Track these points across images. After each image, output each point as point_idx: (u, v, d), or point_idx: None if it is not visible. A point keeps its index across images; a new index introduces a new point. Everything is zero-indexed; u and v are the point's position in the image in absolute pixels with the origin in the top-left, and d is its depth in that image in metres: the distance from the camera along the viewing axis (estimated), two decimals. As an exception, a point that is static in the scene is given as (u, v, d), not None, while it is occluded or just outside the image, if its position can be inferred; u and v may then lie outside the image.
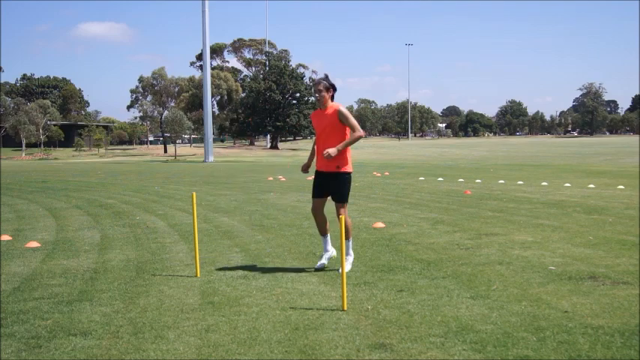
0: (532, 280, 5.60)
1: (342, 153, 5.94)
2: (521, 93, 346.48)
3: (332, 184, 6.06)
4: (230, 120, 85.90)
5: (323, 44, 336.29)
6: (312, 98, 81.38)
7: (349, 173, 6.07)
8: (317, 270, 6.17)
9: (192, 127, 67.00)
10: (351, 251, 6.25)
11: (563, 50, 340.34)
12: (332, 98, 6.05)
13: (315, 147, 6.23)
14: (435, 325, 4.28)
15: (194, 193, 6.47)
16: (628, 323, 4.26)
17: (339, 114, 5.90)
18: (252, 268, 6.40)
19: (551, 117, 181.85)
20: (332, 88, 6.01)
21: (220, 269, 6.34)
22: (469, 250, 7.12)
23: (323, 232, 6.26)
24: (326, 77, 6.05)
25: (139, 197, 15.11)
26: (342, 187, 6.04)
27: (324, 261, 6.25)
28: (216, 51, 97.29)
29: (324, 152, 5.84)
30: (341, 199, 6.05)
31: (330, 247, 6.31)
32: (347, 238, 6.09)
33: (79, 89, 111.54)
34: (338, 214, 6.00)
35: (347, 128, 5.98)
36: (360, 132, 5.92)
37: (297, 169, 31.31)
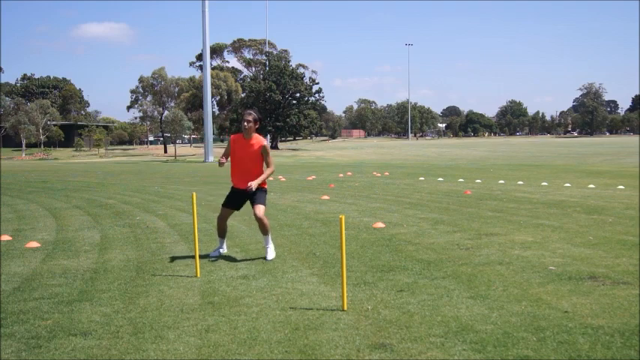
0: (532, 280, 5.60)
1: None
2: (521, 93, 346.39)
3: (256, 196, 6.88)
4: (230, 120, 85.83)
5: (323, 44, 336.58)
6: (312, 98, 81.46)
7: (266, 188, 7.04)
8: (211, 258, 6.93)
9: (192, 127, 66.97)
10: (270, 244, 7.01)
11: (563, 50, 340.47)
12: (257, 130, 6.97)
13: (234, 166, 6.99)
14: (435, 325, 4.28)
15: (194, 193, 6.48)
16: (628, 323, 4.26)
17: (263, 149, 6.83)
18: (252, 268, 6.40)
19: (552, 117, 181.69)
20: (260, 120, 6.94)
21: (220, 269, 6.34)
22: (469, 250, 7.12)
23: (222, 235, 7.16)
24: (256, 111, 6.95)
25: (139, 197, 15.11)
26: (263, 198, 6.97)
27: (216, 254, 7.09)
28: (216, 51, 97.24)
29: (249, 185, 6.64)
30: (264, 204, 6.92)
31: (224, 245, 7.25)
32: (265, 233, 6.90)
33: (79, 89, 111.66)
34: (257, 214, 6.77)
35: (262, 157, 6.88)
36: (274, 167, 7.04)
37: (298, 169, 31.31)
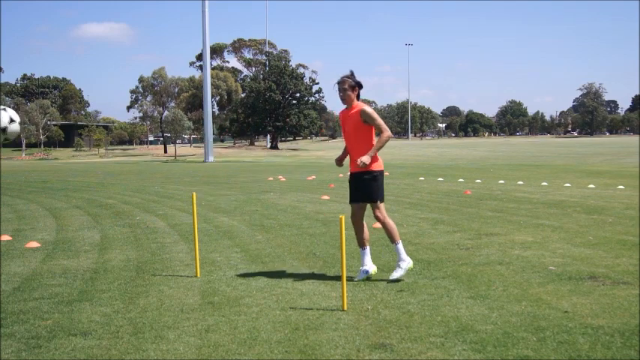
0: (532, 280, 5.60)
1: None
2: (521, 93, 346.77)
3: (362, 186, 5.70)
4: (230, 120, 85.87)
5: (323, 44, 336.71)
6: (312, 98, 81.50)
7: (377, 171, 5.67)
8: (355, 280, 5.65)
9: (192, 127, 67.00)
10: (402, 256, 5.65)
11: (563, 50, 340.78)
12: (358, 97, 5.74)
13: (346, 147, 5.93)
14: (435, 325, 4.28)
15: (194, 193, 6.48)
16: (628, 323, 4.26)
17: (362, 114, 5.61)
18: (252, 268, 6.40)
19: (551, 117, 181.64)
20: (358, 86, 5.68)
21: (220, 269, 6.34)
22: (469, 250, 7.12)
23: (361, 244, 5.79)
24: (352, 74, 5.74)
25: (139, 197, 15.11)
26: (370, 187, 5.65)
27: (360, 277, 5.66)
28: (216, 51, 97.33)
29: (358, 161, 5.51)
30: (371, 198, 5.67)
31: (368, 261, 5.71)
32: (393, 241, 5.70)
33: (79, 89, 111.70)
34: (376, 215, 5.73)
35: (372, 128, 5.68)
36: (388, 132, 5.64)
37: (298, 169, 31.33)
